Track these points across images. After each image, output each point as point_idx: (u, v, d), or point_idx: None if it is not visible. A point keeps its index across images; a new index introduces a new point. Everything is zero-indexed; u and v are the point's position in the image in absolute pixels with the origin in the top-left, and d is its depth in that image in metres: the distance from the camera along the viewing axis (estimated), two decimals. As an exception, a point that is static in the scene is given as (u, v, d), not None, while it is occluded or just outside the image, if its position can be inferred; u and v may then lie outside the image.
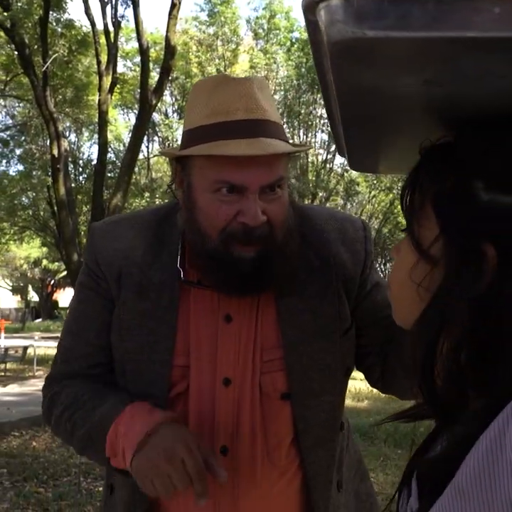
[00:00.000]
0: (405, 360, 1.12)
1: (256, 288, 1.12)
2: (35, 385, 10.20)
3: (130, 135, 14.81)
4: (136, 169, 17.99)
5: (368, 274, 1.24)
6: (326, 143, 20.52)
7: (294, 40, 20.44)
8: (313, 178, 20.08)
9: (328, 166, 20.65)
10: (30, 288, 39.52)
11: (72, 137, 22.27)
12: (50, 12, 13.50)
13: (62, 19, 15.20)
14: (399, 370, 1.19)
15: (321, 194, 20.38)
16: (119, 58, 16.43)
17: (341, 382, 1.21)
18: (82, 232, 17.77)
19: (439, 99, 0.59)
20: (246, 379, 1.14)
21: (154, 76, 16.12)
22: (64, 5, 14.63)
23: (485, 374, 0.59)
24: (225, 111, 1.04)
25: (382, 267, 25.02)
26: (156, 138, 22.57)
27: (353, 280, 1.21)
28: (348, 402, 8.43)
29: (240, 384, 1.14)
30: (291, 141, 1.13)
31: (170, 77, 14.95)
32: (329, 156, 20.56)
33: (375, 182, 21.06)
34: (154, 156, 22.89)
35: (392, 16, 0.44)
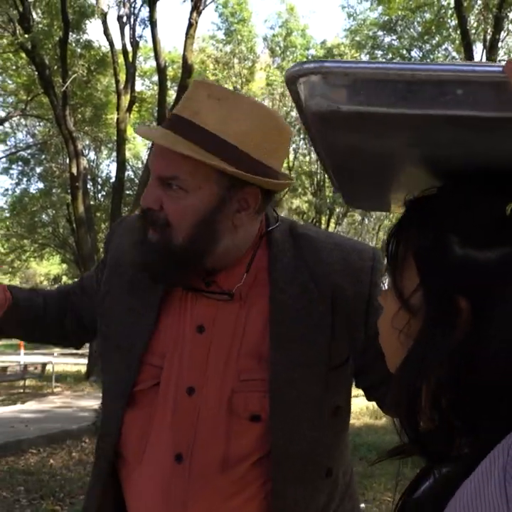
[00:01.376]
0: None
1: (162, 279, 1.18)
2: (54, 402, 10.28)
3: (148, 153, 14.93)
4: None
5: (376, 308, 1.15)
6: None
7: (310, 58, 20.56)
8: (331, 194, 20.08)
9: (345, 181, 20.58)
10: (49, 304, 39.71)
11: (91, 155, 22.51)
12: (70, 33, 13.75)
13: (81, 40, 15.47)
14: None
15: (338, 210, 20.37)
16: (137, 77, 16.66)
17: (328, 418, 1.17)
18: (101, 249, 17.90)
19: (418, 158, 0.62)
20: (212, 392, 1.13)
21: (171, 94, 16.29)
22: (83, 26, 14.90)
23: (467, 419, 0.61)
24: (180, 107, 1.13)
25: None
26: (173, 155, 22.69)
27: (358, 314, 1.17)
28: (366, 419, 8.40)
29: (204, 396, 1.13)
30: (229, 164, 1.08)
31: (187, 96, 15.06)
32: (346, 172, 20.48)
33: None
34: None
35: (363, 94, 0.47)
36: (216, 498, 1.13)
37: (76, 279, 1.55)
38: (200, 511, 1.13)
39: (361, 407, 8.53)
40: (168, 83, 15.72)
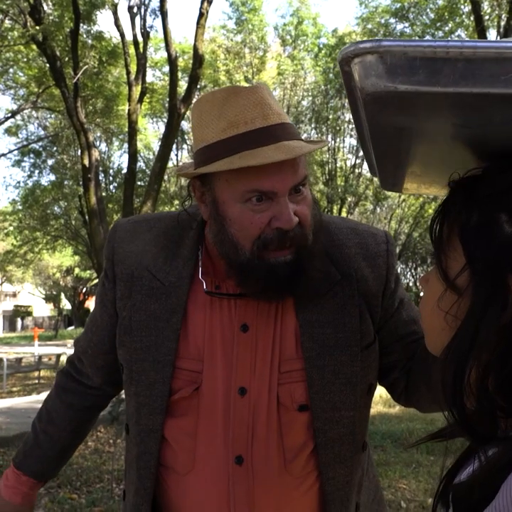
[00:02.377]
0: (428, 376, 1.14)
1: (294, 289, 1.12)
2: (69, 392, 10.30)
3: (159, 144, 14.94)
4: (166, 177, 18.12)
5: (392, 291, 1.23)
6: (354, 148, 20.44)
7: (321, 46, 20.44)
8: (342, 183, 20.01)
9: (356, 170, 20.54)
10: (62, 296, 40.06)
11: (103, 147, 22.53)
12: (81, 24, 13.74)
13: (92, 31, 15.47)
14: (422, 385, 1.19)
15: (350, 199, 20.30)
16: (148, 68, 16.61)
17: (362, 397, 1.19)
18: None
19: (467, 138, 0.61)
20: (262, 389, 1.13)
21: (182, 85, 16.25)
22: (94, 17, 14.88)
23: None
24: (242, 121, 1.04)
25: (412, 271, 24.75)
26: (185, 146, 22.71)
27: (376, 296, 1.20)
28: (379, 408, 8.39)
29: (256, 394, 1.13)
30: (304, 137, 1.14)
31: (198, 86, 15.05)
32: (358, 161, 20.47)
33: (404, 186, 20.81)
34: (184, 164, 22.99)
35: (422, 73, 0.47)
36: (280, 494, 1.14)
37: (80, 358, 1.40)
38: (269, 508, 1.14)
39: (375, 395, 8.52)
40: (179, 74, 15.67)
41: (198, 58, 13.74)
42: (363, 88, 0.51)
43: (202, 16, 14.07)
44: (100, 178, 17.49)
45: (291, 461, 1.14)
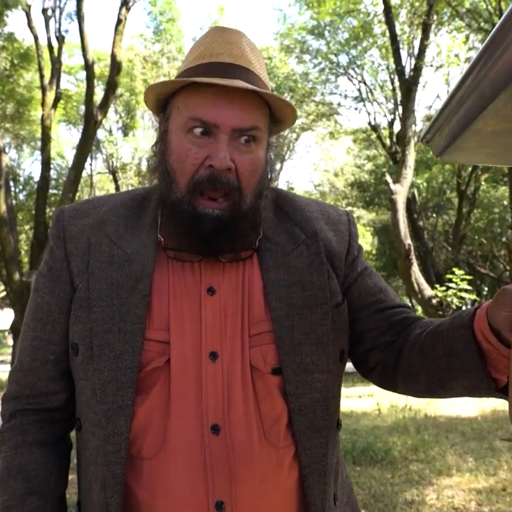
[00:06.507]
0: (436, 368, 1.05)
1: (215, 250, 1.08)
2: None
3: (75, 151, 14.48)
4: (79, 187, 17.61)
5: (355, 256, 1.22)
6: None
7: (239, 60, 20.58)
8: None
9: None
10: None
11: (13, 154, 21.69)
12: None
13: (2, 32, 14.84)
14: (422, 374, 1.09)
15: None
16: (62, 74, 16.11)
17: (335, 363, 1.13)
18: (23, 251, 17.21)
19: None
20: (235, 353, 1.07)
21: (98, 92, 15.89)
22: (5, 18, 14.29)
23: None
24: (209, 54, 1.06)
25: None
26: (99, 155, 22.21)
27: (339, 258, 1.19)
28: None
29: (228, 358, 1.07)
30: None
31: (114, 94, 14.74)
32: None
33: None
34: (98, 173, 22.52)
35: None
36: (262, 467, 1.06)
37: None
38: (249, 488, 1.04)
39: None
40: (95, 81, 15.30)
41: (115, 65, 13.47)
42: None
43: (120, 22, 13.82)
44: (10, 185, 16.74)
45: (269, 430, 1.07)
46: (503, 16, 0.61)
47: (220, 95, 1.01)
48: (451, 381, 1.03)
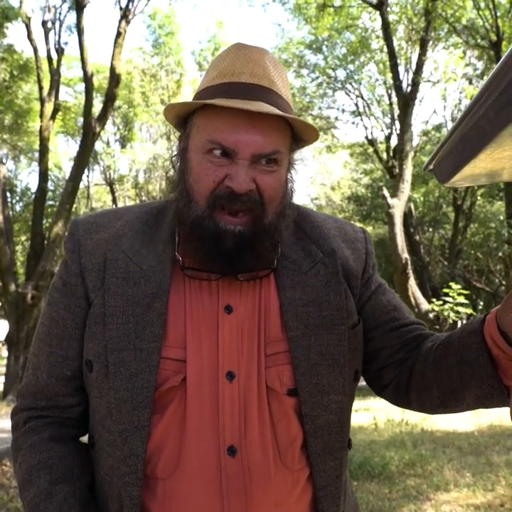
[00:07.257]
0: (449, 378, 1.04)
1: (237, 267, 1.05)
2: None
3: (72, 163, 14.49)
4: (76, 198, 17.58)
5: (370, 275, 1.21)
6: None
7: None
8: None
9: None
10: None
11: (10, 165, 21.68)
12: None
13: (2, 43, 14.88)
14: (435, 386, 1.09)
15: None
16: (61, 85, 16.15)
17: (349, 383, 1.11)
18: (19, 262, 17.17)
19: None
20: (251, 373, 1.05)
21: (96, 104, 15.92)
22: (5, 30, 14.34)
23: None
24: (230, 72, 1.03)
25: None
26: (97, 167, 22.22)
27: (356, 277, 1.17)
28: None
29: (244, 378, 1.05)
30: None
31: (113, 106, 14.77)
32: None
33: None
34: (95, 185, 22.52)
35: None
36: (277, 489, 1.04)
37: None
38: (264, 510, 1.02)
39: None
40: (93, 93, 15.33)
41: (114, 77, 13.52)
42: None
43: (119, 35, 13.90)
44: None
45: (284, 452, 1.06)
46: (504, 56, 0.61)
47: (241, 118, 0.99)
48: (463, 391, 1.02)
